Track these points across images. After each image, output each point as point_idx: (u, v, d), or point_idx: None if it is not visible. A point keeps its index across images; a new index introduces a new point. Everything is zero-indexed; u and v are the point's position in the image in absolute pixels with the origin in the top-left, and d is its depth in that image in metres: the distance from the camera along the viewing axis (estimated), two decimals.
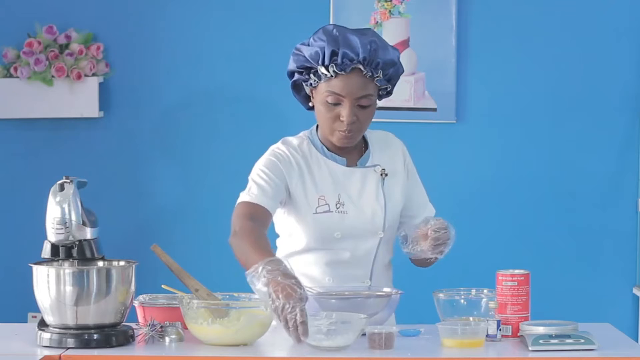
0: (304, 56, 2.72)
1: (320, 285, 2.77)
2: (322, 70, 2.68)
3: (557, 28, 4.35)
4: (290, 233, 2.83)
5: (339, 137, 2.74)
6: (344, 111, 2.69)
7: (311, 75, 2.72)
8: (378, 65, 2.68)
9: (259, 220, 2.71)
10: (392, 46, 2.77)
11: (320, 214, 2.76)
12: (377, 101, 2.79)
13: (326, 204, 2.77)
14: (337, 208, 2.77)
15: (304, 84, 2.77)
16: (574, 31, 4.35)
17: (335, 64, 2.67)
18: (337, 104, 2.70)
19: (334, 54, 2.67)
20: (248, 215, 2.70)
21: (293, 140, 2.83)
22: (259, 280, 2.45)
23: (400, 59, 2.83)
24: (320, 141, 2.83)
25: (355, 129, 2.72)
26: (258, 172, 2.77)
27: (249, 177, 2.79)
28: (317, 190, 2.77)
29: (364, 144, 2.86)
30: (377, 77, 2.70)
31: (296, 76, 2.76)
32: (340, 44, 2.67)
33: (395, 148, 2.87)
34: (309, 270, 2.81)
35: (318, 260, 2.79)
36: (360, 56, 2.66)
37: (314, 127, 2.85)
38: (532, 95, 4.36)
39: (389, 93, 2.80)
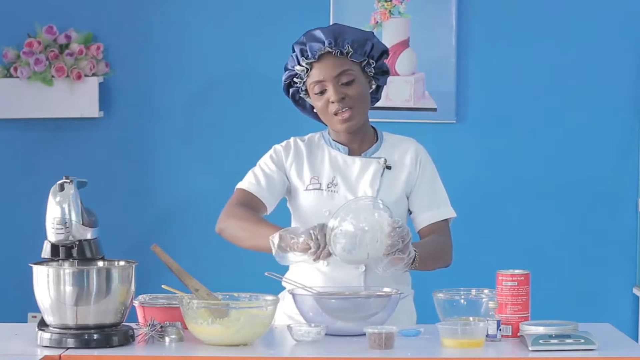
0: (288, 68, 2.90)
1: (317, 270, 2.84)
2: (298, 68, 2.85)
3: (557, 28, 4.35)
4: (293, 218, 2.93)
5: (338, 121, 2.85)
6: (330, 92, 2.83)
7: (297, 80, 2.88)
8: (345, 42, 2.83)
9: (251, 207, 2.84)
10: (362, 30, 2.93)
11: (310, 191, 2.87)
12: (381, 84, 2.93)
13: (318, 182, 2.88)
14: (328, 187, 2.87)
15: (301, 96, 2.92)
16: (574, 31, 4.35)
17: (305, 57, 2.83)
18: (323, 91, 2.84)
19: (303, 51, 2.84)
20: (239, 202, 2.86)
21: (306, 135, 2.98)
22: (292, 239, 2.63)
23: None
24: (330, 135, 2.95)
25: (348, 105, 2.84)
26: (259, 162, 2.93)
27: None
28: (312, 171, 2.90)
29: (376, 138, 2.95)
30: (349, 52, 2.83)
31: (291, 90, 2.92)
32: (306, 41, 2.85)
33: (407, 147, 2.94)
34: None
35: None
36: (326, 42, 2.83)
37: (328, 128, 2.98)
38: (532, 95, 4.36)
39: (386, 72, 2.91)
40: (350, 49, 2.83)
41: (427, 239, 2.84)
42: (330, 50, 2.82)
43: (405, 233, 2.61)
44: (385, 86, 2.99)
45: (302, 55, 2.84)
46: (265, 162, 2.92)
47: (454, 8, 4.31)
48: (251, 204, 2.85)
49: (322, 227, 2.61)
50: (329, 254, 2.61)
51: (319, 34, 2.85)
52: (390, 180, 2.89)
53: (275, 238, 2.66)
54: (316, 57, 2.82)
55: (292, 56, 2.87)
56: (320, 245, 2.60)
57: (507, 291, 2.58)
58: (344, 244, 2.60)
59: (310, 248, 2.61)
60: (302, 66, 2.84)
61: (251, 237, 2.76)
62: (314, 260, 2.63)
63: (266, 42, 4.35)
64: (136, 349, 2.48)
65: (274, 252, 2.67)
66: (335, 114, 2.84)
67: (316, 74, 2.83)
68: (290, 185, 2.91)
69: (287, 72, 2.91)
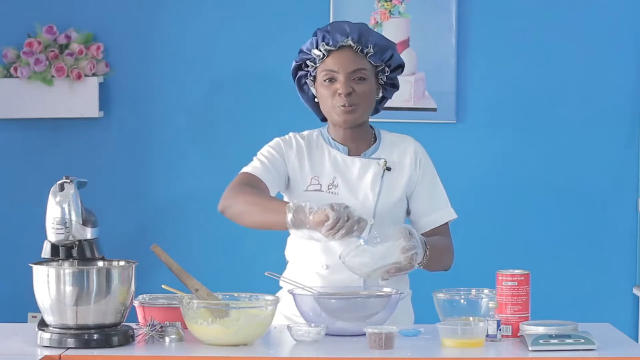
0: (303, 51, 2.89)
1: (316, 273, 2.85)
2: (316, 52, 2.84)
3: (556, 28, 4.36)
4: None
5: (339, 113, 2.84)
6: (340, 84, 2.82)
7: (309, 64, 2.87)
8: (368, 42, 2.84)
9: (255, 187, 2.81)
10: (387, 38, 2.92)
11: (310, 192, 2.86)
12: (387, 97, 2.93)
13: (318, 183, 2.87)
14: (329, 189, 2.86)
15: (307, 81, 2.90)
16: (574, 31, 4.36)
17: (326, 43, 2.82)
18: (333, 80, 2.83)
19: (325, 37, 2.84)
20: (244, 182, 2.83)
21: (304, 132, 2.96)
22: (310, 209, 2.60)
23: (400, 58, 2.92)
24: (329, 133, 2.93)
25: (354, 101, 2.83)
26: (261, 150, 2.92)
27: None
28: (313, 171, 2.88)
29: (374, 138, 2.94)
30: (369, 52, 2.84)
31: (299, 73, 2.91)
32: (331, 29, 2.85)
33: (406, 147, 2.93)
34: (306, 256, 2.88)
35: (314, 246, 2.84)
36: (350, 35, 2.83)
37: (327, 125, 2.96)
38: (532, 95, 4.37)
39: (394, 85, 2.92)
40: (371, 51, 2.83)
41: (432, 239, 2.81)
42: (352, 44, 2.83)
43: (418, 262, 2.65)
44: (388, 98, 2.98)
45: (323, 41, 2.84)
46: (268, 150, 2.91)
47: (454, 8, 4.32)
48: (256, 186, 2.82)
49: (347, 207, 2.57)
50: (346, 234, 2.57)
51: (345, 26, 2.85)
52: (390, 181, 2.88)
53: (290, 210, 2.62)
54: (337, 46, 2.82)
55: (312, 40, 2.87)
56: (339, 221, 2.55)
57: (507, 291, 2.58)
58: (358, 262, 2.63)
59: (327, 220, 2.55)
60: (320, 51, 2.84)
61: (261, 210, 2.72)
62: (328, 234, 2.57)
63: (266, 42, 4.36)
64: (136, 349, 2.49)
65: (288, 219, 2.62)
66: (339, 106, 2.83)
67: (331, 62, 2.83)
68: (290, 180, 2.90)
69: (301, 54, 2.89)
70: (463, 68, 4.34)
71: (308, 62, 2.87)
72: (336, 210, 2.56)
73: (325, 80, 2.84)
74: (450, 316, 2.66)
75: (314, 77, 2.88)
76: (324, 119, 2.96)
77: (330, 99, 2.84)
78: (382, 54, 2.85)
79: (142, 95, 4.41)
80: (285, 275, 2.91)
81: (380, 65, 2.86)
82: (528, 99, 4.37)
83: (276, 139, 2.93)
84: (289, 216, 2.63)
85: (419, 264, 2.70)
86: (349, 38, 2.82)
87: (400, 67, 2.91)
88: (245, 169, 2.88)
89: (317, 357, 2.43)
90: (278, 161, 2.88)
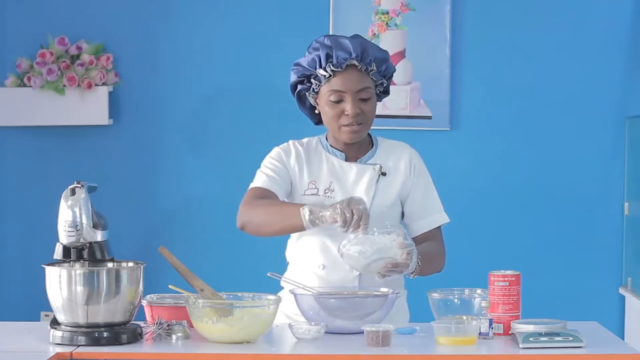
0: (303, 66, 2.87)
1: (314, 273, 2.88)
2: (321, 72, 2.83)
3: (545, 39, 4.39)
4: None
5: (346, 132, 2.86)
6: (348, 105, 2.84)
7: (312, 81, 2.86)
8: (370, 60, 2.83)
9: (267, 199, 2.85)
10: (379, 47, 2.92)
11: (307, 196, 2.89)
12: (377, 102, 2.93)
13: (315, 188, 2.90)
14: (325, 193, 2.89)
15: (307, 94, 2.90)
16: (562, 42, 4.39)
17: (332, 64, 2.82)
18: (340, 100, 2.84)
19: (328, 56, 2.83)
20: (256, 196, 2.86)
21: (304, 139, 2.99)
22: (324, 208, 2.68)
23: (396, 69, 2.96)
24: (328, 141, 2.96)
25: (361, 121, 2.86)
26: (264, 162, 2.94)
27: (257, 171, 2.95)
28: (311, 175, 2.91)
29: (371, 145, 2.97)
30: (372, 70, 2.84)
31: (299, 87, 2.90)
32: (334, 47, 2.83)
33: (402, 153, 2.95)
34: (304, 257, 2.91)
35: (312, 247, 2.89)
36: (353, 54, 2.82)
37: (326, 133, 2.98)
38: (522, 104, 4.40)
39: (387, 92, 2.93)
40: (374, 68, 2.84)
41: (423, 246, 2.85)
42: (356, 64, 2.83)
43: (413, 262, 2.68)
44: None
45: (328, 61, 2.82)
46: (270, 161, 2.93)
47: (448, 20, 4.35)
48: (267, 197, 2.86)
49: (350, 201, 2.65)
50: (359, 225, 2.65)
51: (346, 43, 2.83)
52: (385, 186, 2.91)
53: (305, 212, 2.70)
54: (343, 67, 2.82)
55: (314, 57, 2.84)
56: (347, 219, 2.64)
57: (499, 291, 2.62)
58: (357, 250, 2.67)
59: (336, 222, 2.66)
60: (326, 72, 2.83)
61: (279, 219, 2.78)
62: (345, 232, 2.67)
63: (268, 53, 4.39)
64: (144, 346, 2.53)
65: (305, 222, 2.71)
66: (346, 125, 2.86)
67: (338, 83, 2.83)
68: (292, 185, 2.93)
69: (301, 68, 2.87)
70: (457, 78, 4.37)
71: (312, 80, 2.86)
72: (340, 212, 2.64)
73: (332, 102, 2.84)
74: (444, 315, 2.70)
75: (316, 92, 2.88)
76: (317, 123, 2.97)
77: (337, 119, 2.85)
78: (381, 68, 2.86)
79: (149, 104, 4.44)
80: (286, 275, 2.94)
81: (381, 79, 2.88)
82: (518, 107, 4.40)
83: (276, 149, 2.95)
84: (306, 219, 2.71)
85: (411, 273, 2.74)
86: (354, 57, 2.81)
87: (392, 75, 2.94)
88: (253, 184, 2.90)
89: (317, 354, 2.47)
90: (281, 170, 2.90)
